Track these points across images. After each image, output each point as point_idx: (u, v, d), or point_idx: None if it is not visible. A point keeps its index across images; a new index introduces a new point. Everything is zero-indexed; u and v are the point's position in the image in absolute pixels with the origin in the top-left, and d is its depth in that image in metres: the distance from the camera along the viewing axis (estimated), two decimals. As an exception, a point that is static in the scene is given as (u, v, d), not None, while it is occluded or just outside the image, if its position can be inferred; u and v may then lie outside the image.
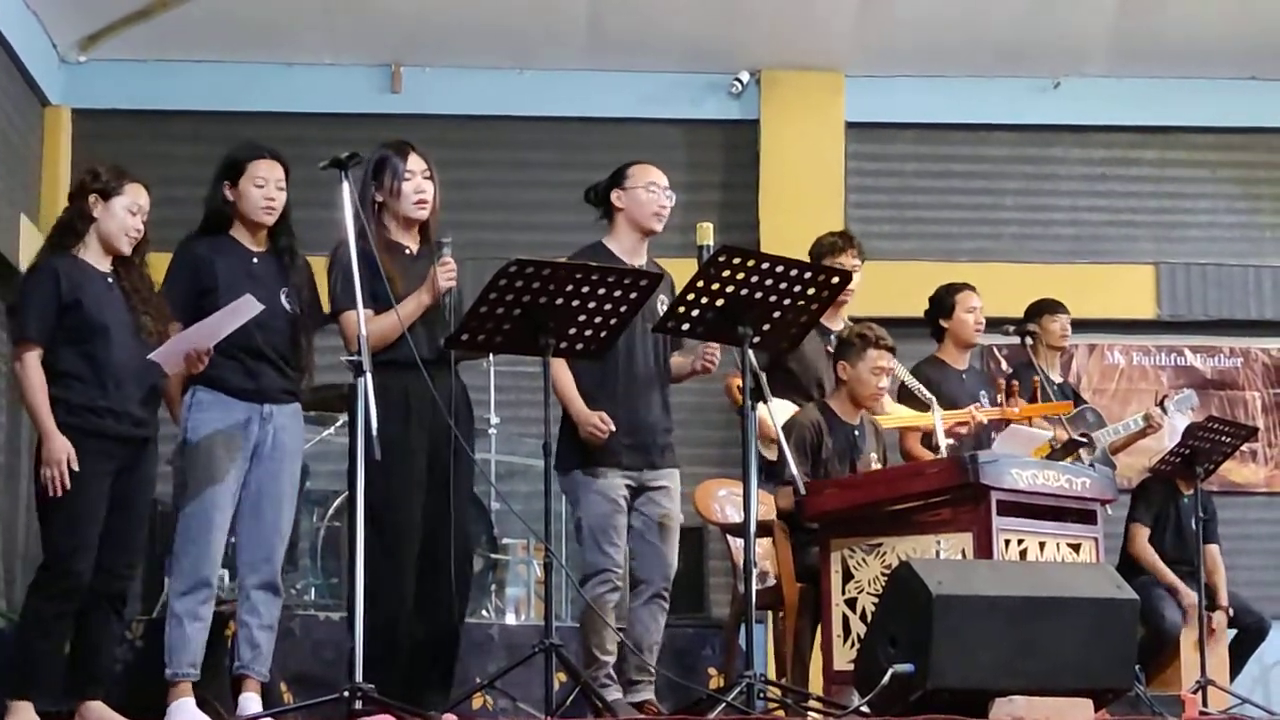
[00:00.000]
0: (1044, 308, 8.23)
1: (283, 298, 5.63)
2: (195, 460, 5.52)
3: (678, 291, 5.54)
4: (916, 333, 7.87)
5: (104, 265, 5.51)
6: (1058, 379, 8.22)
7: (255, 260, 5.66)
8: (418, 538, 5.55)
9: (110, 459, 5.39)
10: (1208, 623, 8.08)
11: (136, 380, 5.43)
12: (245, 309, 5.34)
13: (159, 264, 5.69)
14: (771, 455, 6.53)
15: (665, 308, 5.74)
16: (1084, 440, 7.50)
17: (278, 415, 5.62)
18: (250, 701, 5.55)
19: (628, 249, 6.06)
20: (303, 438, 5.80)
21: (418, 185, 5.69)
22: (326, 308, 5.70)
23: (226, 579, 6.75)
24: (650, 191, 6.07)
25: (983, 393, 7.39)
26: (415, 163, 5.70)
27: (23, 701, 5.30)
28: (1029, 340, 7.91)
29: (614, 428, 5.85)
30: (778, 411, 6.57)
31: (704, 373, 6.12)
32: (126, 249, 5.52)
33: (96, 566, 5.37)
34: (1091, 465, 6.77)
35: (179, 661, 5.48)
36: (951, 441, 6.88)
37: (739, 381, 6.68)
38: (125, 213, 5.50)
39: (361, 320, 5.17)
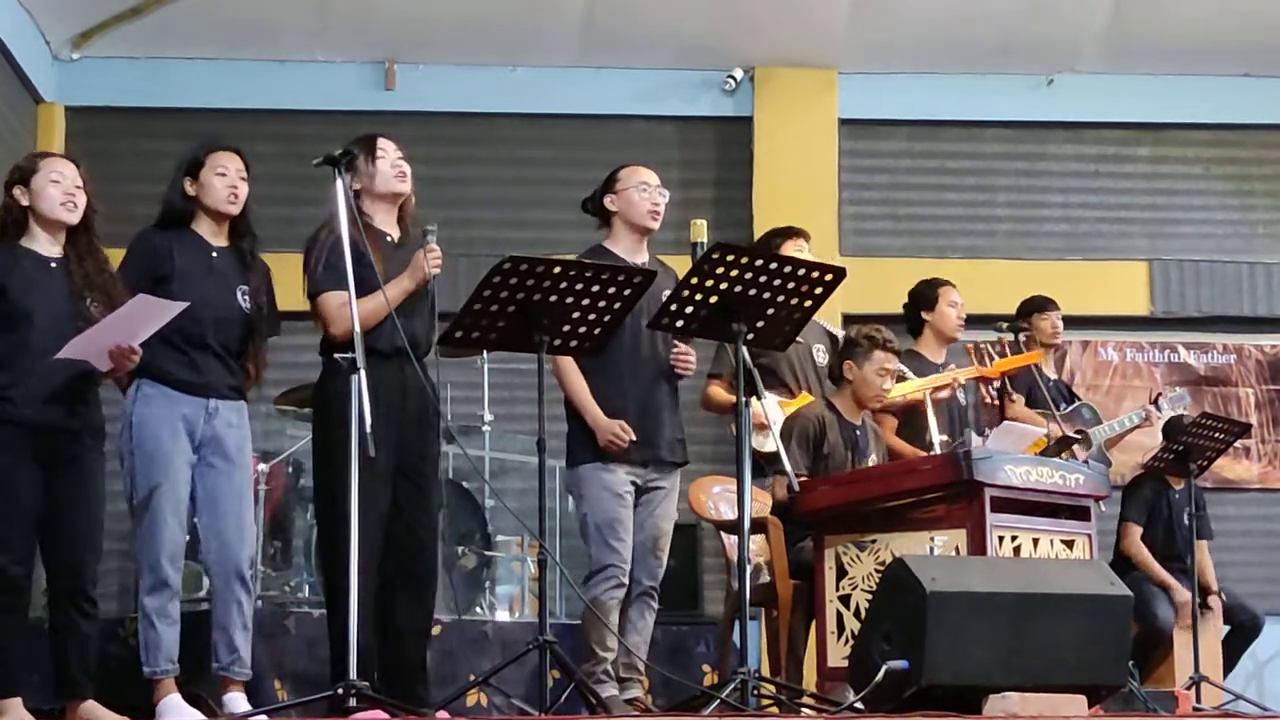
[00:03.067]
0: (1034, 305, 8.20)
1: (239, 295, 5.59)
2: (142, 455, 5.47)
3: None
4: (911, 329, 7.86)
5: (52, 250, 5.42)
6: (1052, 375, 8.21)
7: (215, 254, 5.61)
8: (380, 532, 5.47)
9: (30, 450, 5.26)
10: (1202, 616, 8.10)
11: (64, 368, 5.27)
12: (160, 310, 5.23)
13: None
14: (765, 447, 6.53)
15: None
16: (1078, 437, 7.50)
17: (223, 411, 5.56)
18: (235, 701, 5.52)
19: (627, 249, 6.06)
20: (249, 436, 5.71)
21: (392, 160, 5.66)
22: (303, 291, 5.60)
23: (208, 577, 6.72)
24: (642, 191, 6.06)
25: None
26: (385, 144, 5.68)
27: (11, 699, 5.25)
28: (1022, 337, 7.90)
29: (634, 436, 5.84)
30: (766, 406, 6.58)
31: (678, 377, 6.10)
32: (70, 217, 5.39)
33: (55, 566, 5.33)
34: (1086, 462, 6.76)
35: (155, 659, 5.45)
36: (944, 438, 6.88)
37: (714, 387, 6.73)
38: (48, 183, 5.38)
39: (355, 317, 5.15)
